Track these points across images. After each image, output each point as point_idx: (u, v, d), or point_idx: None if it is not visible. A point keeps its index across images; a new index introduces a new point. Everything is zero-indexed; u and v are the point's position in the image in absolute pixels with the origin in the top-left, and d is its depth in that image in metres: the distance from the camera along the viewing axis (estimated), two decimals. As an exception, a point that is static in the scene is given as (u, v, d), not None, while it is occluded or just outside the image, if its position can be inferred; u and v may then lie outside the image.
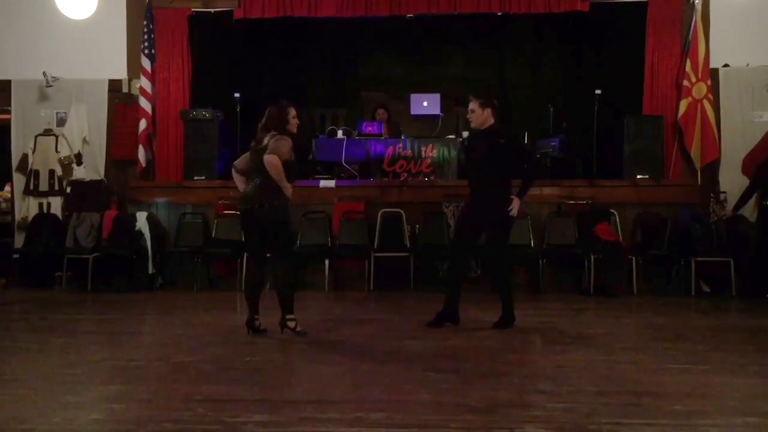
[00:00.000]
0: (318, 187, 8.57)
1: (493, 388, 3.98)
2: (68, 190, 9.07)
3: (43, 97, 9.31)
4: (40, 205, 9.17)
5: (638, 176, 8.49)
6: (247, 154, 5.59)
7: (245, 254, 8.10)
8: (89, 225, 8.61)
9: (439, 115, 9.48)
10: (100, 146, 9.30)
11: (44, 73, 9.11)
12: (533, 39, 10.85)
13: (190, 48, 9.30)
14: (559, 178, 8.65)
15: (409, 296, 7.86)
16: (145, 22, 9.05)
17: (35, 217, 9.01)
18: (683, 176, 8.69)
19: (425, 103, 9.48)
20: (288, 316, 5.42)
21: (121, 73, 9.32)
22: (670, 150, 8.69)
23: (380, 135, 9.18)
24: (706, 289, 8.04)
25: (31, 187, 9.20)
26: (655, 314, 6.77)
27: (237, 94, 9.08)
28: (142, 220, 8.50)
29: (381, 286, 8.18)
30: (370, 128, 9.24)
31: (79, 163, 9.17)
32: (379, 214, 8.48)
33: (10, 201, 9.58)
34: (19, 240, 9.12)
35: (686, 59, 8.64)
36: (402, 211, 8.47)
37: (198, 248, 8.45)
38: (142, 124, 9.03)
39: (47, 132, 9.21)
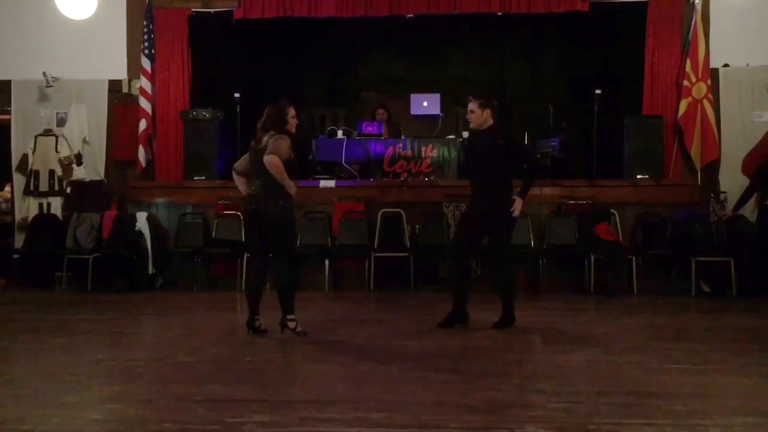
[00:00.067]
0: (318, 187, 8.57)
1: (493, 388, 3.98)
2: (68, 190, 9.07)
3: (43, 98, 9.30)
4: (40, 205, 9.17)
5: (638, 176, 8.49)
6: (246, 156, 5.59)
7: (245, 254, 8.15)
8: (89, 225, 8.61)
9: (439, 115, 9.48)
10: (100, 146, 9.30)
11: (44, 74, 9.11)
12: (533, 39, 10.86)
13: (190, 48, 9.30)
14: (559, 178, 8.65)
15: (409, 296, 7.86)
16: (145, 23, 9.05)
17: (35, 218, 9.01)
18: (683, 176, 8.69)
19: (425, 103, 9.49)
20: (288, 317, 5.42)
21: (121, 73, 9.32)
22: (670, 150, 8.69)
23: (380, 135, 9.18)
24: (706, 289, 8.04)
25: (31, 187, 9.20)
26: (655, 314, 6.77)
27: (237, 94, 9.09)
28: (142, 220, 8.50)
29: (381, 286, 8.18)
30: (370, 128, 9.25)
31: (79, 164, 9.17)
32: (379, 214, 8.48)
33: (10, 201, 9.57)
34: (19, 240, 9.12)
35: (686, 59, 8.64)
36: (402, 211, 8.46)
37: (198, 248, 8.45)
38: (142, 125, 9.03)
39: (47, 132, 9.20)
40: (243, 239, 8.41)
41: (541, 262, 8.17)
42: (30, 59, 9.23)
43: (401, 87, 10.57)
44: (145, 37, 9.05)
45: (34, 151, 9.18)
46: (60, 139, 9.15)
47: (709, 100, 8.59)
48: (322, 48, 10.87)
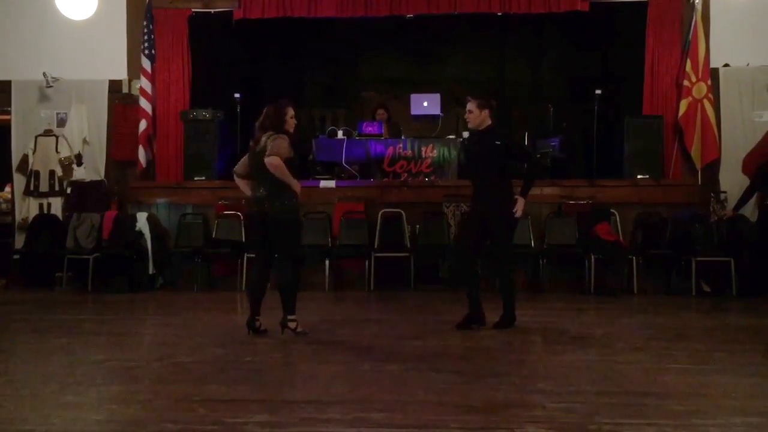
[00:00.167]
0: (318, 187, 8.57)
1: (493, 388, 3.98)
2: (68, 190, 9.08)
3: (44, 98, 9.31)
4: (41, 205, 9.18)
5: (638, 176, 8.50)
6: (246, 158, 5.59)
7: (245, 254, 8.16)
8: (89, 225, 8.62)
9: (439, 115, 9.48)
10: (101, 147, 9.31)
11: (44, 74, 9.11)
12: (533, 39, 10.87)
13: (190, 48, 9.30)
14: (559, 178, 8.66)
15: (410, 296, 7.86)
16: (145, 23, 9.05)
17: (35, 218, 9.02)
18: (683, 176, 8.69)
19: (425, 103, 9.49)
20: (289, 317, 5.42)
21: (121, 73, 9.32)
22: (671, 150, 8.69)
23: (380, 135, 9.19)
24: (707, 289, 8.04)
25: (32, 187, 9.20)
26: (656, 314, 6.77)
27: (237, 95, 9.09)
28: (142, 220, 8.51)
29: (381, 286, 8.18)
30: (370, 128, 9.25)
31: (80, 164, 9.17)
32: (380, 215, 8.49)
33: (11, 201, 9.58)
34: (19, 240, 9.13)
35: (686, 59, 8.64)
36: (402, 212, 8.47)
37: (198, 248, 8.46)
38: (143, 125, 9.03)
39: (47, 132, 9.21)
40: (243, 239, 8.44)
41: (541, 262, 8.18)
42: (30, 59, 9.23)
43: (401, 87, 10.58)
44: (146, 37, 9.05)
45: (34, 152, 9.18)
46: (60, 139, 9.16)
47: (709, 99, 8.59)
48: (322, 48, 10.87)
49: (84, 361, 4.79)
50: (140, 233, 8.45)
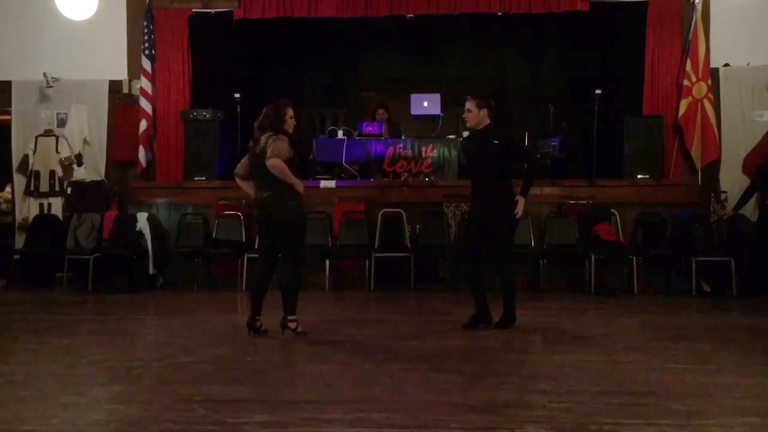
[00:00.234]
0: (318, 187, 8.57)
1: (494, 388, 3.99)
2: (69, 190, 9.08)
3: (44, 98, 9.31)
4: (41, 205, 9.18)
5: (638, 176, 8.49)
6: (246, 159, 5.58)
7: (245, 254, 8.16)
8: (90, 225, 8.62)
9: (439, 115, 9.48)
10: (101, 147, 9.30)
11: (45, 74, 9.11)
12: (533, 39, 10.87)
13: (191, 48, 9.30)
14: (559, 178, 8.66)
15: (410, 296, 7.86)
16: (145, 23, 9.05)
17: (36, 218, 9.02)
18: (684, 176, 8.69)
19: (425, 103, 9.49)
20: (289, 317, 5.43)
21: (121, 73, 9.32)
22: (671, 150, 8.69)
23: (380, 135, 9.18)
24: (707, 289, 8.04)
25: (32, 187, 9.20)
26: (656, 314, 6.77)
27: (237, 95, 9.09)
28: (142, 220, 8.51)
29: (381, 286, 8.18)
30: (370, 128, 9.25)
31: (80, 164, 9.17)
32: (380, 215, 8.49)
33: (11, 202, 9.58)
34: (19, 241, 9.12)
35: (686, 59, 8.64)
36: (402, 212, 8.47)
37: (198, 248, 8.45)
38: (143, 125, 9.03)
39: (48, 133, 9.21)
40: (243, 239, 8.45)
41: (541, 262, 8.18)
42: (30, 60, 9.23)
43: (401, 87, 10.58)
44: (146, 37, 9.05)
45: (34, 152, 9.18)
46: (60, 139, 9.16)
47: (709, 99, 8.59)
48: (322, 48, 10.87)
49: (84, 361, 4.80)
50: (140, 233, 8.45)
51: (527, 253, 8.07)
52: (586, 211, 8.31)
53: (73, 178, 9.12)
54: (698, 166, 8.66)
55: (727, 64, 8.75)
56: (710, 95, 8.59)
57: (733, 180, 8.53)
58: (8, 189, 9.81)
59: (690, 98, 8.61)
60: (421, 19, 9.55)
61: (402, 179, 8.85)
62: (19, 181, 9.30)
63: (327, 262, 8.24)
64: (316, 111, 10.81)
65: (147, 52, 9.04)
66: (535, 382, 4.17)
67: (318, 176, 8.83)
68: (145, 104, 9.06)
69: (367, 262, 8.24)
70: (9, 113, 9.37)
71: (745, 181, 8.33)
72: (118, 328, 6.16)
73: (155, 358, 4.89)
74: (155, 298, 8.03)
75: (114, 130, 9.28)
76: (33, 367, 4.68)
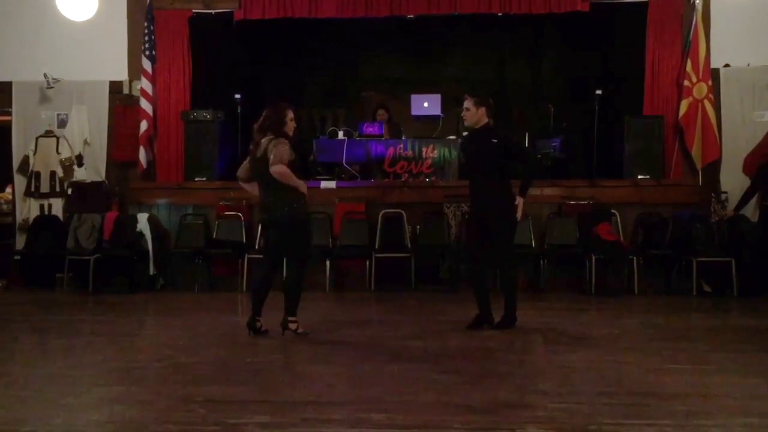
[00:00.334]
0: (319, 188, 8.57)
1: (494, 389, 3.98)
2: (69, 191, 9.08)
3: (44, 99, 9.30)
4: (41, 206, 9.17)
5: (639, 176, 8.49)
6: (247, 162, 5.58)
7: (246, 255, 8.16)
8: (90, 226, 8.61)
9: (439, 115, 9.48)
10: (101, 147, 9.30)
11: (45, 75, 9.11)
12: (533, 39, 10.86)
13: (191, 49, 9.29)
14: (559, 179, 8.65)
15: (410, 297, 7.85)
16: (145, 24, 9.05)
17: (36, 219, 9.01)
18: (684, 176, 8.68)
19: (426, 104, 9.49)
20: (290, 318, 5.43)
21: (121, 74, 9.31)
22: (671, 150, 8.68)
23: (381, 136, 9.18)
24: (707, 289, 8.03)
25: (32, 188, 9.20)
26: (656, 314, 6.77)
27: (238, 95, 9.09)
28: (143, 221, 8.51)
29: (382, 286, 8.18)
30: (370, 129, 9.25)
31: (80, 165, 9.17)
32: (380, 215, 8.49)
33: (11, 202, 9.58)
34: (20, 241, 9.12)
35: (687, 59, 8.63)
36: (403, 212, 8.47)
37: (199, 249, 8.45)
38: (143, 126, 9.02)
39: (48, 133, 9.21)
40: (243, 240, 8.45)
41: (541, 262, 8.17)
42: (31, 60, 9.23)
43: (401, 87, 10.58)
44: (146, 38, 9.04)
45: (35, 153, 9.18)
46: (61, 140, 9.16)
47: (709, 100, 8.58)
48: (322, 48, 10.87)
49: (84, 362, 4.80)
50: (141, 234, 8.45)
51: (527, 254, 8.07)
52: (587, 211, 8.31)
53: (74, 179, 9.12)
54: (699, 166, 8.66)
55: (727, 65, 8.75)
56: (711, 96, 8.58)
57: (733, 180, 8.52)
58: (9, 190, 9.81)
59: (690, 98, 8.60)
60: (421, 20, 9.54)
61: (402, 180, 8.85)
62: (19, 181, 9.30)
63: (327, 262, 8.23)
64: (317, 111, 10.81)
65: (147, 52, 9.04)
66: (536, 383, 4.17)
67: (318, 177, 8.83)
68: (145, 105, 9.06)
69: (367, 263, 8.24)
70: (9, 114, 9.37)
71: (746, 182, 8.33)
72: (119, 328, 6.16)
73: (155, 359, 4.89)
74: (155, 298, 8.04)
75: (114, 130, 9.27)
76: (33, 368, 4.68)
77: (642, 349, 5.13)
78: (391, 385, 4.13)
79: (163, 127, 9.26)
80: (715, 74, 8.68)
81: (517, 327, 5.76)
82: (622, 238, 8.18)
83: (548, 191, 8.45)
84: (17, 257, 8.89)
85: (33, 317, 6.92)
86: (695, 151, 8.61)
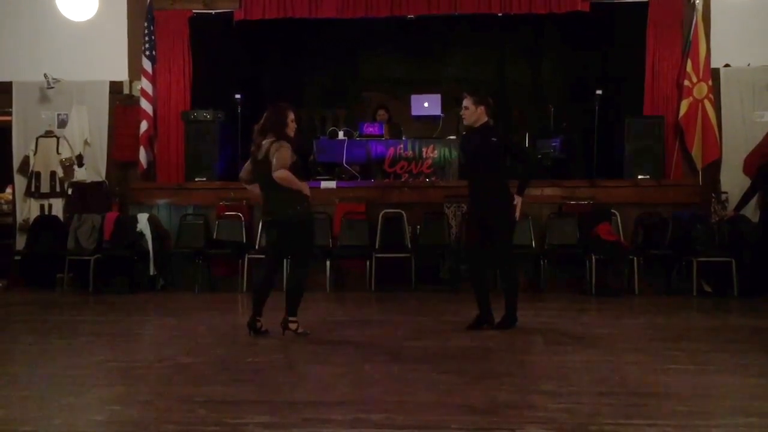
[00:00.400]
0: (319, 188, 8.57)
1: (494, 389, 3.98)
2: (69, 191, 9.08)
3: (44, 99, 9.31)
4: (42, 206, 9.18)
5: (639, 176, 8.49)
6: (249, 164, 5.58)
7: (246, 255, 8.17)
8: (90, 226, 8.61)
9: (439, 115, 9.48)
10: (101, 148, 9.30)
11: (45, 75, 9.11)
12: (534, 39, 10.86)
13: (191, 49, 9.29)
14: (560, 179, 8.66)
15: (410, 297, 7.85)
16: (145, 24, 9.05)
17: (36, 219, 9.02)
18: (684, 176, 8.68)
19: (426, 104, 9.49)
20: (290, 318, 5.43)
21: (122, 74, 9.32)
22: (671, 150, 8.68)
23: (381, 136, 9.19)
24: (708, 290, 8.03)
25: (33, 188, 9.20)
26: (657, 314, 6.77)
27: (238, 95, 9.09)
28: (143, 221, 8.51)
29: (382, 286, 8.18)
30: (370, 129, 9.25)
31: (81, 165, 9.18)
32: (380, 215, 8.49)
33: (12, 203, 9.58)
34: (20, 242, 9.12)
35: (687, 59, 8.63)
36: (403, 212, 8.47)
37: (199, 249, 8.45)
38: (143, 126, 9.03)
39: (48, 134, 9.21)
40: (244, 240, 8.45)
41: (542, 262, 8.17)
42: (31, 61, 9.23)
43: (402, 87, 10.59)
44: (146, 38, 9.04)
45: (35, 153, 9.18)
46: (61, 140, 9.16)
47: (710, 100, 8.58)
48: (322, 49, 10.88)
49: (85, 362, 4.80)
50: (141, 234, 8.45)
51: (528, 254, 8.07)
52: (587, 211, 8.31)
53: (74, 179, 9.12)
54: (699, 166, 8.66)
55: (727, 65, 8.75)
56: (711, 96, 8.58)
57: (733, 180, 8.52)
58: (9, 190, 9.81)
59: (691, 99, 8.60)
60: (421, 20, 9.54)
61: (402, 180, 8.85)
62: (19, 182, 9.30)
63: (328, 262, 8.23)
64: (317, 111, 10.83)
65: (148, 53, 9.04)
66: (536, 383, 4.17)
67: (319, 177, 8.83)
68: (145, 105, 9.06)
69: (367, 263, 8.24)
70: (10, 114, 9.37)
71: (746, 182, 8.33)
72: (119, 328, 6.16)
73: (156, 359, 4.89)
74: (156, 298, 8.04)
75: (115, 130, 9.27)
76: (34, 368, 4.68)
77: (642, 350, 5.13)
78: (391, 386, 4.12)
79: (164, 127, 9.26)
80: (715, 74, 8.68)
81: (518, 327, 5.76)
82: (622, 238, 8.17)
83: (548, 191, 8.45)
84: (18, 257, 8.90)
85: (33, 317, 6.92)
86: (695, 152, 8.62)
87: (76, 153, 9.17)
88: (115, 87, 9.30)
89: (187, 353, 5.05)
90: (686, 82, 8.62)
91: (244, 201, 8.44)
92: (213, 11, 9.33)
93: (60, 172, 9.16)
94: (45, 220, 9.02)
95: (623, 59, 9.61)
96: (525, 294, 7.57)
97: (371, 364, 4.65)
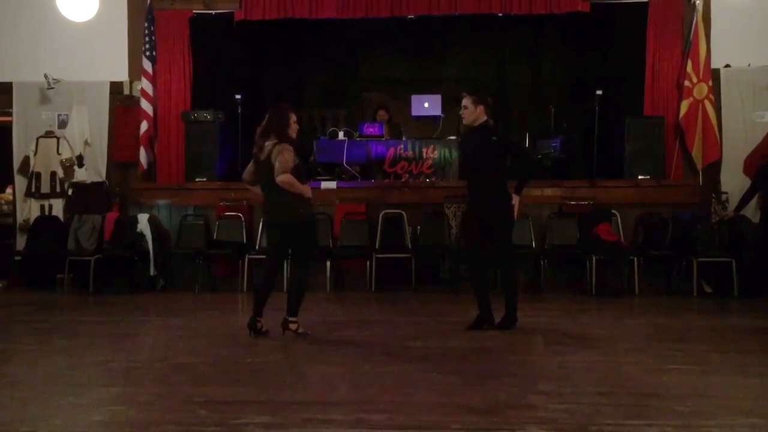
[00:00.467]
0: (319, 188, 8.57)
1: (495, 389, 3.98)
2: (70, 192, 9.08)
3: (45, 99, 9.31)
4: (42, 207, 9.18)
5: (639, 177, 8.49)
6: (251, 165, 5.58)
7: (246, 255, 8.17)
8: (91, 227, 8.62)
9: (440, 116, 9.48)
10: (102, 148, 9.30)
11: (45, 75, 9.11)
12: (534, 39, 10.86)
13: (191, 50, 9.30)
14: (560, 179, 8.66)
15: (411, 297, 7.86)
16: (146, 24, 9.05)
17: (37, 219, 9.02)
18: (684, 177, 8.68)
19: (426, 104, 9.49)
20: (291, 318, 5.43)
21: (122, 75, 9.32)
22: (672, 150, 8.68)
23: (381, 136, 9.19)
24: (708, 290, 8.03)
25: (33, 189, 9.20)
26: (657, 315, 6.77)
27: (238, 96, 9.09)
28: (143, 221, 8.51)
29: (382, 287, 8.18)
30: (371, 129, 9.25)
31: (81, 165, 9.18)
32: (381, 215, 8.49)
33: (12, 203, 9.58)
34: (20, 242, 9.12)
35: (687, 60, 8.63)
36: (403, 212, 8.47)
37: (199, 250, 8.45)
38: (144, 126, 9.03)
39: (49, 134, 9.21)
40: (244, 240, 8.45)
41: (542, 262, 8.17)
42: (31, 61, 9.23)
43: (402, 88, 10.59)
44: (146, 38, 9.05)
45: (35, 153, 9.18)
46: (61, 140, 9.16)
47: (710, 100, 8.58)
48: (322, 49, 10.88)
49: (85, 363, 4.80)
50: (141, 234, 8.45)
51: (528, 254, 8.07)
52: (587, 211, 8.31)
53: (74, 180, 9.12)
54: (699, 166, 8.66)
55: (728, 65, 8.75)
56: (711, 96, 8.58)
57: (733, 181, 8.52)
58: (9, 190, 9.81)
59: (691, 99, 8.60)
60: (421, 20, 9.55)
61: (403, 180, 8.85)
62: (20, 182, 9.30)
63: (328, 262, 8.23)
64: (317, 112, 10.83)
65: (148, 53, 9.04)
66: (537, 383, 4.16)
67: (319, 177, 8.83)
68: (146, 105, 9.06)
69: (368, 263, 8.24)
70: (10, 114, 9.37)
71: (746, 182, 8.32)
72: (119, 329, 6.15)
73: (156, 360, 4.89)
74: (156, 299, 8.04)
75: (115, 131, 9.27)
76: (34, 369, 4.68)
77: (642, 350, 5.13)
78: (392, 386, 4.12)
79: (164, 127, 9.26)
80: (715, 75, 8.68)
81: (518, 327, 5.76)
82: (622, 239, 8.17)
83: (549, 191, 8.45)
84: (18, 258, 8.88)
85: (33, 318, 6.92)
86: (696, 152, 8.61)
87: (77, 153, 9.17)
88: (116, 87, 9.31)
89: (188, 354, 5.05)
90: (686, 83, 8.62)
91: (245, 201, 8.44)
92: (213, 11, 9.34)
93: (60, 173, 9.16)
94: (45, 220, 9.02)
95: (623, 59, 9.61)
96: (525, 294, 7.58)
97: (371, 364, 4.65)
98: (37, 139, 9.20)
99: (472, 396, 3.84)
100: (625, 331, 5.97)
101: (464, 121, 5.90)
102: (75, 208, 8.86)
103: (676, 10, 8.80)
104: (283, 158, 5.28)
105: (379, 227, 8.46)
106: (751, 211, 8.29)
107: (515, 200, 5.71)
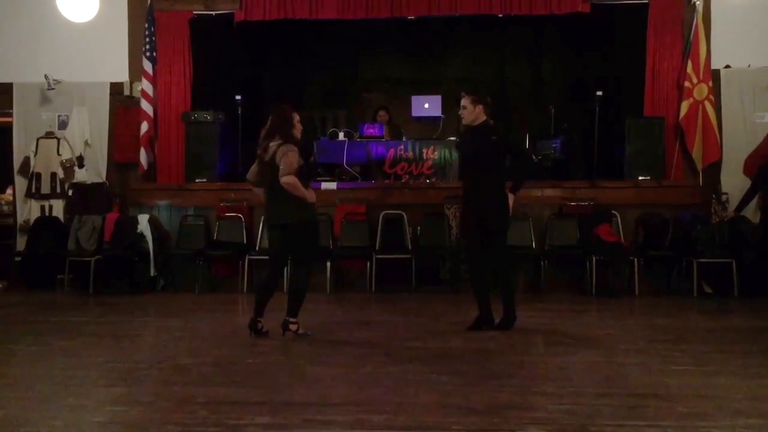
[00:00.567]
0: (319, 189, 8.57)
1: (495, 390, 3.98)
2: (70, 192, 9.08)
3: (45, 100, 9.31)
4: (42, 207, 9.18)
5: (640, 177, 8.49)
6: (255, 166, 5.58)
7: (246, 256, 8.17)
8: (91, 227, 8.62)
9: (440, 116, 9.48)
10: (102, 149, 9.31)
11: (46, 76, 9.12)
12: (534, 40, 10.87)
13: (192, 50, 9.30)
14: (560, 180, 8.66)
15: (411, 298, 7.85)
16: (146, 25, 9.06)
17: (37, 220, 9.02)
18: (685, 177, 8.68)
19: (426, 105, 9.49)
20: (291, 319, 5.44)
21: (122, 75, 9.32)
22: (672, 151, 8.68)
23: (381, 137, 9.19)
24: (708, 290, 8.03)
25: (33, 189, 9.21)
26: (657, 315, 6.76)
27: (238, 96, 9.09)
28: (143, 222, 8.51)
29: (382, 287, 8.18)
30: (371, 130, 9.25)
31: (81, 166, 9.18)
32: (381, 216, 8.49)
33: (12, 204, 9.58)
34: (20, 242, 9.12)
35: (687, 60, 8.63)
36: (403, 213, 8.47)
37: (199, 250, 8.45)
38: (144, 127, 9.03)
39: (49, 135, 9.21)
40: (244, 241, 8.45)
41: (542, 263, 8.17)
42: (32, 62, 9.24)
43: (402, 88, 10.60)
44: (147, 39, 9.05)
45: (35, 154, 9.18)
46: (62, 141, 9.16)
47: (710, 101, 8.58)
48: (322, 50, 10.89)
49: (85, 363, 4.80)
50: (141, 235, 8.45)
51: (528, 254, 8.07)
52: (587, 212, 8.30)
53: (75, 180, 9.12)
54: (699, 167, 8.66)
55: (728, 66, 8.75)
56: (711, 97, 8.58)
57: (734, 181, 8.52)
58: (9, 191, 9.81)
59: (691, 100, 8.60)
60: (421, 21, 9.55)
61: (403, 181, 8.86)
62: (20, 183, 9.31)
63: (328, 263, 8.23)
64: (317, 112, 10.83)
65: (148, 54, 9.04)
66: (537, 384, 4.17)
67: (319, 178, 8.83)
68: (146, 106, 9.07)
69: (368, 264, 8.24)
70: (10, 115, 9.37)
71: (746, 183, 8.33)
72: (120, 330, 6.15)
73: (156, 360, 4.89)
74: (156, 299, 8.04)
75: (115, 131, 9.28)
76: (34, 369, 4.68)
77: (643, 350, 5.13)
78: (392, 387, 4.12)
79: (164, 128, 9.27)
80: (715, 75, 8.68)
81: (518, 328, 5.76)
82: (622, 239, 8.17)
83: (549, 192, 8.45)
84: (18, 258, 8.89)
85: (33, 318, 6.91)
86: (696, 153, 8.62)
87: (77, 154, 9.18)
88: (116, 88, 9.31)
89: (188, 354, 5.05)
90: (686, 83, 8.62)
91: (245, 202, 8.44)
92: (213, 12, 9.34)
93: (60, 173, 9.16)
94: (45, 221, 9.02)
95: (623, 60, 9.61)
96: (525, 294, 7.61)
97: (372, 365, 4.65)
98: (38, 139, 9.20)
99: (472, 397, 3.85)
100: (626, 332, 5.97)
101: (463, 121, 5.89)
102: (75, 209, 8.86)
103: (676, 10, 8.80)
104: (288, 159, 5.28)
105: (380, 228, 8.46)
106: (752, 212, 8.29)
107: (510, 199, 5.70)
